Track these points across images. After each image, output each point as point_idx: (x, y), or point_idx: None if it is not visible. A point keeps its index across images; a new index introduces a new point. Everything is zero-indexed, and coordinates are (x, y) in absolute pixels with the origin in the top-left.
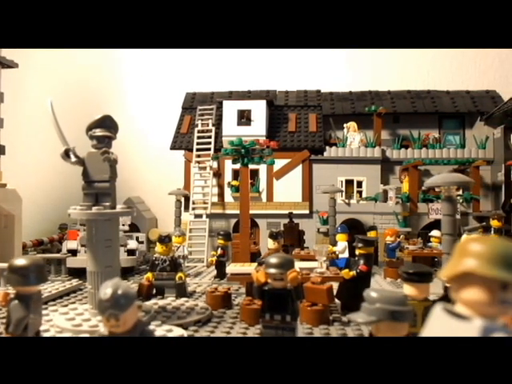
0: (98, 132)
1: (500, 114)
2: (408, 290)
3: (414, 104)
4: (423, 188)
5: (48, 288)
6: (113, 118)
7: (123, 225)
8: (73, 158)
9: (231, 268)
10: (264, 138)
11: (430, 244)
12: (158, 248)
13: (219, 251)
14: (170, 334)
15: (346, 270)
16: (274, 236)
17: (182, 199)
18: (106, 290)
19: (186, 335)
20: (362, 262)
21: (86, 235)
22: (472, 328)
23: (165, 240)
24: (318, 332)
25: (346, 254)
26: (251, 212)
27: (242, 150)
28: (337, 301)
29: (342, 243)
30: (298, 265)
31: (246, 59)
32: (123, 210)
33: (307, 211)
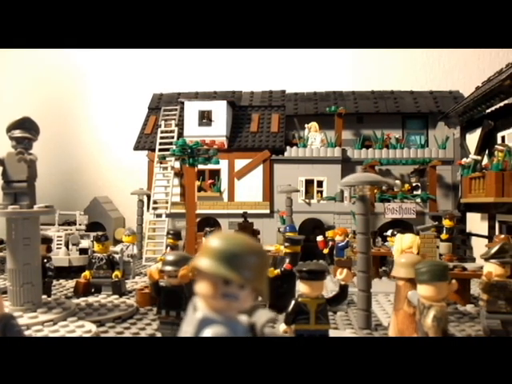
0: (17, 133)
1: (455, 115)
2: (302, 287)
3: (376, 104)
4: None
5: None
6: (33, 120)
7: (80, 224)
8: None
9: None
10: (224, 139)
11: (386, 244)
12: (95, 246)
13: (168, 250)
14: (78, 330)
15: (271, 269)
16: (208, 235)
17: (145, 199)
18: None
19: (93, 331)
20: (287, 260)
21: (6, 234)
22: (194, 320)
23: (101, 239)
24: None
25: None
26: (213, 212)
27: (189, 151)
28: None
29: None
30: None
31: (215, 60)
32: (40, 210)
33: (268, 211)
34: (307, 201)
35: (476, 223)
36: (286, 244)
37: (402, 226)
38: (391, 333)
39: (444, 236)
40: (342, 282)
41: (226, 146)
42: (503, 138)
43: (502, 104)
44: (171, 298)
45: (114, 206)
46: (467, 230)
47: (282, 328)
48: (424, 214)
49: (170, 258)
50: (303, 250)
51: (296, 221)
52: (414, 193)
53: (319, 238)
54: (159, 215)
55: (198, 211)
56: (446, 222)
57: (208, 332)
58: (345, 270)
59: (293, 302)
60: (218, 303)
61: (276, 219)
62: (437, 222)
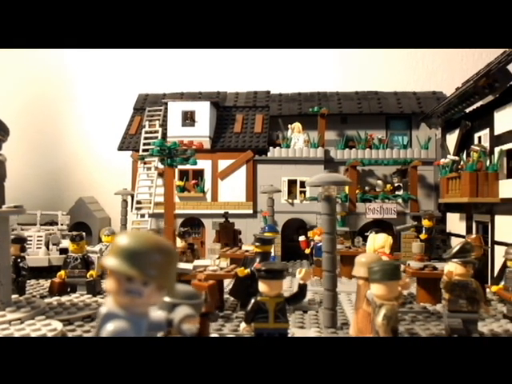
0: None
1: (436, 115)
2: (260, 286)
3: (359, 105)
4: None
5: None
6: (1, 121)
7: (62, 224)
8: None
9: None
10: (207, 139)
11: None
12: (70, 246)
13: None
14: (44, 328)
15: (242, 268)
16: (181, 235)
17: (129, 199)
18: None
19: (59, 329)
20: (257, 260)
21: None
22: (99, 315)
23: (76, 239)
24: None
25: (272, 253)
26: (197, 212)
27: (166, 151)
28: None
29: None
30: (195, 262)
31: (201, 60)
32: (9, 210)
33: (251, 211)
34: (290, 201)
35: (455, 223)
36: (257, 244)
37: (383, 226)
38: (351, 332)
39: (423, 236)
40: (301, 281)
41: (205, 146)
42: (480, 138)
43: (478, 105)
44: None
45: (99, 206)
46: (447, 230)
47: (242, 326)
48: (405, 214)
49: None
50: (287, 250)
51: (279, 221)
52: (396, 193)
53: (301, 238)
54: (143, 215)
55: (181, 211)
56: (425, 222)
57: (110, 326)
58: (303, 269)
59: (252, 301)
60: (122, 299)
61: (259, 219)
62: (416, 222)
